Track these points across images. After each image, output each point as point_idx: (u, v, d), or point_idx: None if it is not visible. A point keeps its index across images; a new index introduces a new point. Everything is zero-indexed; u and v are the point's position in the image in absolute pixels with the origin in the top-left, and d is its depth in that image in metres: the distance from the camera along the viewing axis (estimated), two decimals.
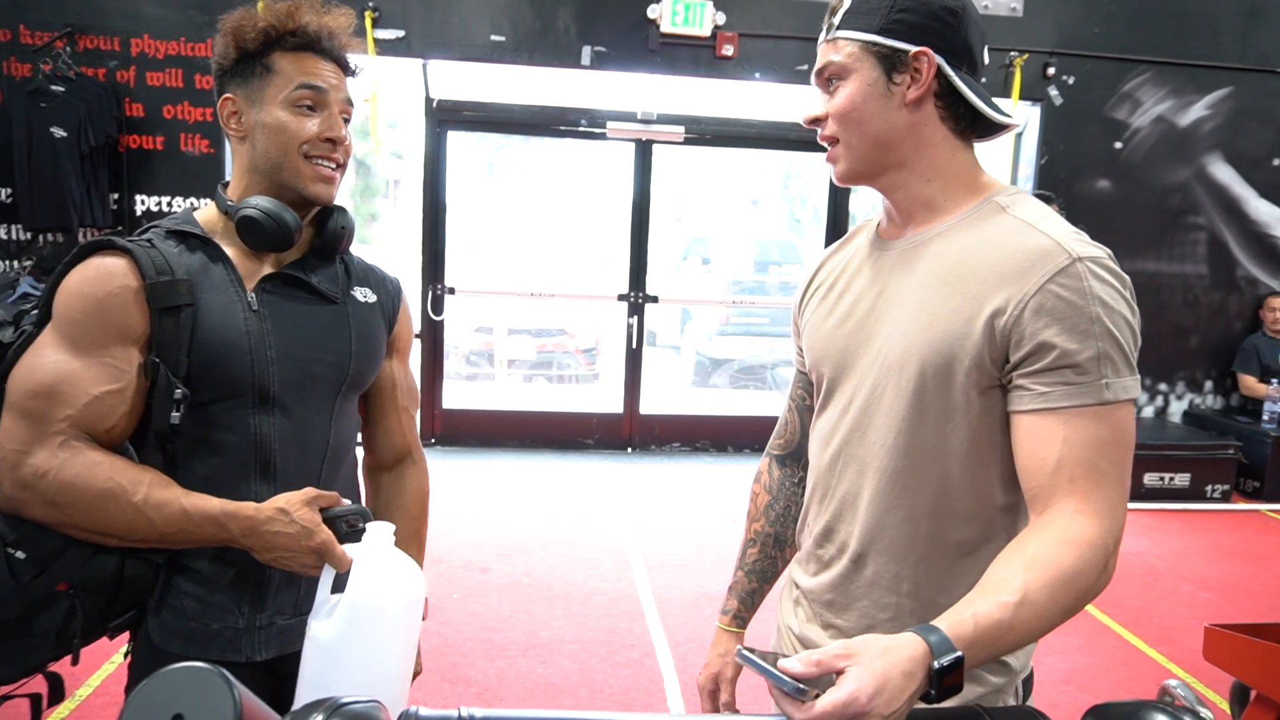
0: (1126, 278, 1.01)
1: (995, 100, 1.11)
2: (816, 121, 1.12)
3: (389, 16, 4.93)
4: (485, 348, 7.86)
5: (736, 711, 1.25)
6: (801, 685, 0.78)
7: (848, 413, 1.14)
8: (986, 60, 1.11)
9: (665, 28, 5.09)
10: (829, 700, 0.78)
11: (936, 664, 0.83)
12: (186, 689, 0.64)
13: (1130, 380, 0.99)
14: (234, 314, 1.22)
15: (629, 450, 5.82)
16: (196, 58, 4.85)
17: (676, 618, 3.40)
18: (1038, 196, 1.20)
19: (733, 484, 5.19)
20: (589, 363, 8.02)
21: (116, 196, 4.88)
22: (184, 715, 0.63)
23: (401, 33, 4.97)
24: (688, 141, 5.64)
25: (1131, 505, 1.13)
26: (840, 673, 0.80)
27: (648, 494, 4.98)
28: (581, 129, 5.62)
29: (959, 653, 0.84)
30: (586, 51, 5.15)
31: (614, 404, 5.94)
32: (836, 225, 5.87)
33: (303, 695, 1.10)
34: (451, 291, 5.66)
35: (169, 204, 4.96)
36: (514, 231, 10.17)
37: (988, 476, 1.07)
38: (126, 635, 1.30)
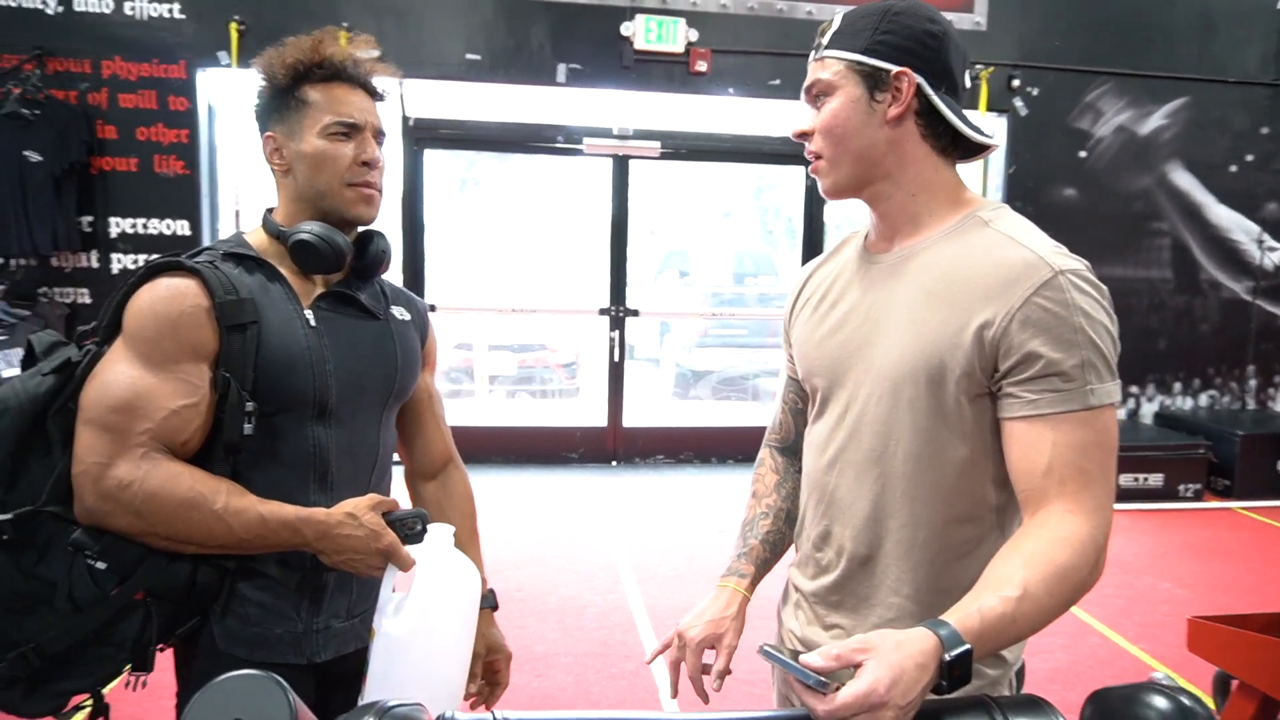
0: (1104, 288, 1.06)
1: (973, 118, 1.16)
2: (804, 136, 1.17)
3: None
4: (465, 364, 7.85)
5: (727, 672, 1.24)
6: (823, 679, 0.82)
7: (843, 421, 1.18)
8: (968, 83, 1.17)
9: (639, 45, 5.15)
10: (849, 692, 0.81)
11: (947, 656, 0.87)
12: (244, 695, 0.65)
13: (1112, 385, 1.04)
14: (294, 330, 1.28)
15: (613, 463, 5.84)
16: (169, 79, 4.84)
17: (669, 629, 3.39)
18: None
19: (718, 495, 5.23)
20: (569, 377, 8.04)
21: (90, 219, 4.84)
22: (242, 719, 0.65)
23: (376, 53, 4.98)
24: (664, 156, 5.70)
25: None
26: (858, 666, 0.84)
27: (634, 506, 5.00)
28: (558, 145, 5.66)
29: (968, 645, 0.88)
30: (561, 69, 5.20)
31: (597, 418, 5.96)
32: (812, 237, 5.95)
33: (371, 686, 1.17)
34: (432, 308, 5.64)
35: (144, 226, 4.92)
36: (493, 248, 10.17)
37: (981, 480, 1.11)
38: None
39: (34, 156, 4.48)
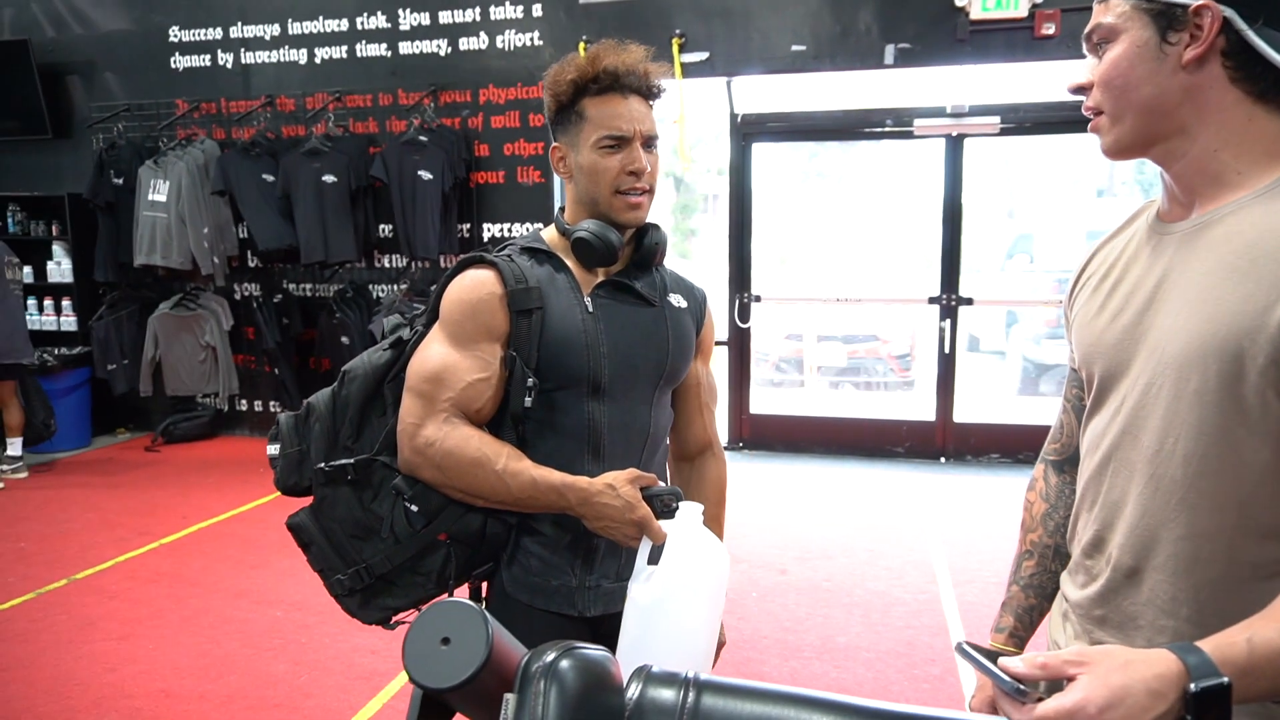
0: None
1: None
2: (1081, 90, 1.03)
3: (694, 40, 5.19)
4: (795, 354, 7.92)
5: None
6: (1022, 686, 0.75)
7: (1120, 414, 1.04)
8: None
9: (975, 14, 4.82)
10: (1052, 705, 0.74)
11: (1194, 687, 0.75)
12: (454, 619, 0.77)
13: None
14: (574, 316, 1.42)
15: (941, 460, 5.55)
16: (529, 100, 5.48)
17: (984, 637, 3.18)
18: None
19: None
20: (903, 369, 7.76)
21: (468, 226, 5.64)
22: (450, 638, 0.76)
23: (706, 54, 5.21)
24: (1003, 132, 5.28)
25: None
26: (1070, 679, 0.76)
27: (960, 506, 4.72)
28: (887, 129, 5.49)
29: (1224, 678, 0.76)
30: (889, 50, 5.03)
31: (926, 412, 5.70)
32: None
33: (623, 650, 1.26)
34: (758, 299, 5.80)
35: (509, 229, 5.63)
36: (824, 238, 10.11)
37: None
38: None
39: (426, 175, 5.33)
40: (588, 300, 1.44)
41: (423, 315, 1.49)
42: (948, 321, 5.49)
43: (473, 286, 1.39)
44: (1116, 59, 0.98)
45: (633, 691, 0.81)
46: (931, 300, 5.53)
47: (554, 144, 1.48)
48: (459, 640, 0.75)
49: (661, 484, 1.37)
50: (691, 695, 0.81)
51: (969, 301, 5.50)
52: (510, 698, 0.76)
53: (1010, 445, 5.50)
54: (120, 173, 5.83)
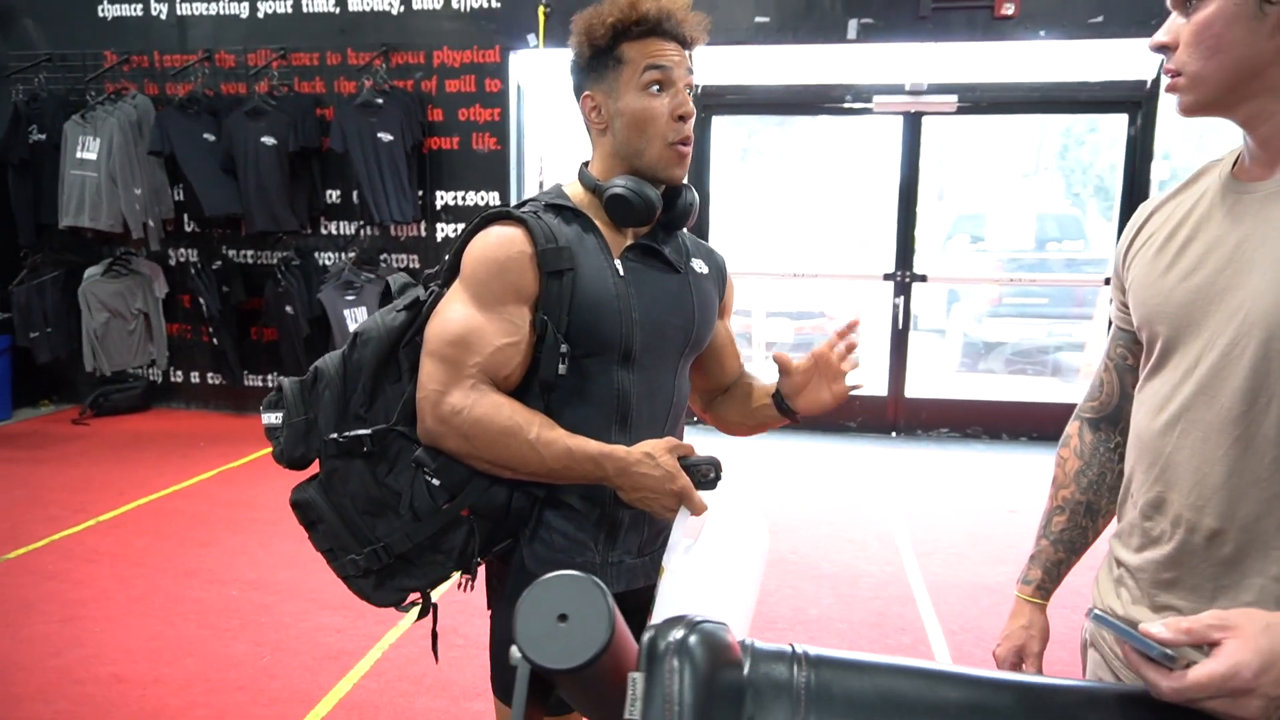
0: None
1: None
2: (1163, 49, 1.01)
3: None
4: (744, 330, 7.95)
5: None
6: (1169, 652, 0.73)
7: (1192, 374, 1.04)
8: None
9: None
10: (1205, 671, 0.72)
11: None
12: (571, 593, 0.71)
13: None
14: (605, 279, 1.34)
15: (893, 434, 5.64)
16: (486, 64, 5.32)
17: (951, 606, 3.26)
18: None
19: (1008, 473, 4.87)
20: None
21: (420, 193, 5.46)
22: (568, 615, 0.70)
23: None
24: (961, 111, 5.34)
25: None
26: (1214, 644, 0.75)
27: (915, 479, 4.81)
28: (846, 105, 5.50)
29: None
30: (853, 25, 5.03)
31: (877, 387, 5.78)
32: (1133, 196, 5.28)
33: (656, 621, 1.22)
34: None
35: (463, 198, 5.48)
36: (774, 215, 10.16)
37: None
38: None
39: (386, 137, 5.11)
40: (618, 263, 1.36)
41: (437, 275, 1.39)
42: (902, 298, 5.56)
43: (500, 244, 1.30)
44: (1210, 18, 0.96)
45: (744, 667, 0.77)
46: (887, 277, 5.59)
47: (586, 92, 1.38)
48: (578, 617, 0.69)
49: (699, 454, 1.31)
50: (806, 671, 0.77)
51: (923, 278, 5.58)
52: (637, 677, 0.71)
53: (959, 420, 5.62)
54: (43, 128, 5.47)
